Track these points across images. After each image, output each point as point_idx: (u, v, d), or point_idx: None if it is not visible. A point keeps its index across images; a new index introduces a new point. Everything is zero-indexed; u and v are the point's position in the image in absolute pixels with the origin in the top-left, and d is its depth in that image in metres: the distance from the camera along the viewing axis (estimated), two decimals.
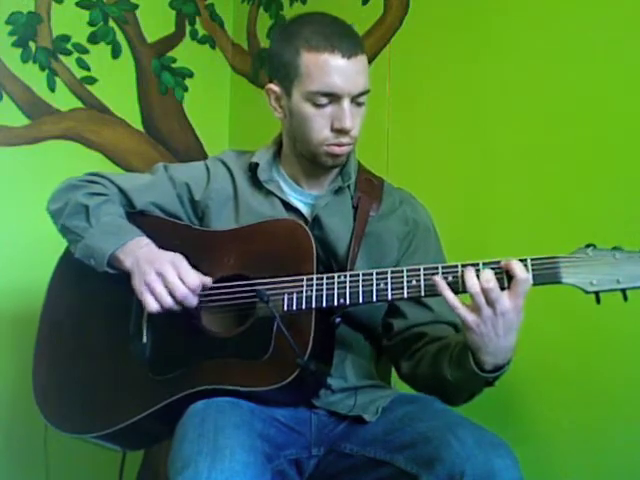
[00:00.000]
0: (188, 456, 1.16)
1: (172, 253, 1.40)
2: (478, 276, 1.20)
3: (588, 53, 1.71)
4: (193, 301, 1.37)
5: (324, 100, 1.39)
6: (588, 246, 1.19)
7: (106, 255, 1.42)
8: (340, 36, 1.39)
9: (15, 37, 2.29)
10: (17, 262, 2.21)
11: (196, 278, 1.37)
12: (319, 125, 1.40)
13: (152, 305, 1.36)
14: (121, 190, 1.55)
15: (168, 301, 1.35)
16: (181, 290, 1.35)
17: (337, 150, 1.43)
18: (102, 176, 1.57)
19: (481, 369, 1.26)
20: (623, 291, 1.16)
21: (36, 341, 1.57)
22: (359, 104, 1.42)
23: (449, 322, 1.48)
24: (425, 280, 1.26)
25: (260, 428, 1.28)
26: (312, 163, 1.48)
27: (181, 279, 1.36)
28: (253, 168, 1.53)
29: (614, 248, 1.18)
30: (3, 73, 2.26)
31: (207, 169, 1.57)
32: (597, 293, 1.17)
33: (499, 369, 1.27)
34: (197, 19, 2.68)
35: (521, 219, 1.80)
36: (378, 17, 2.21)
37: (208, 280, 1.39)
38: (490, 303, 1.19)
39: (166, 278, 1.36)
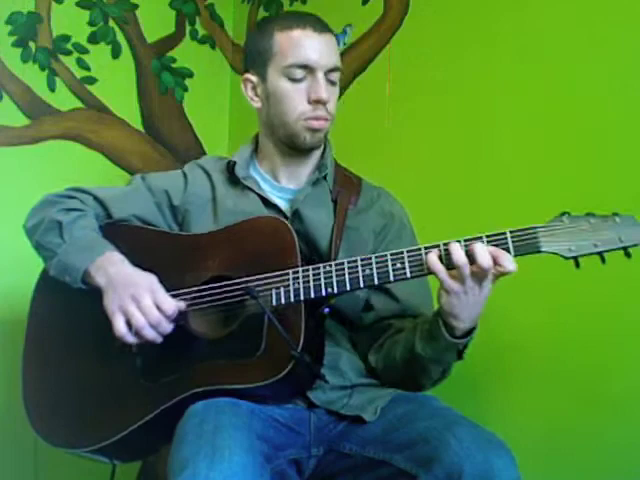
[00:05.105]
0: (187, 457, 1.17)
1: (147, 276, 1.40)
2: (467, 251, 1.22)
3: (585, 53, 1.71)
4: (167, 328, 1.37)
5: (299, 74, 1.45)
6: (563, 214, 1.22)
7: (80, 271, 1.42)
8: (310, 17, 1.51)
9: (15, 37, 2.29)
10: (18, 263, 2.21)
11: (172, 304, 1.37)
12: (296, 100, 1.46)
13: (121, 329, 1.35)
14: (98, 200, 1.55)
15: (141, 326, 1.34)
16: (155, 316, 1.35)
17: (315, 124, 1.47)
18: (80, 190, 1.57)
19: (452, 335, 1.30)
20: (600, 254, 1.19)
21: (23, 354, 1.55)
22: (332, 83, 1.49)
23: (415, 315, 1.51)
24: (410, 261, 1.27)
25: (259, 428, 1.28)
26: (291, 148, 1.51)
27: (157, 305, 1.36)
28: (231, 167, 1.55)
29: (588, 214, 1.20)
30: (3, 73, 2.26)
31: (184, 175, 1.60)
32: (576, 258, 1.20)
33: (467, 334, 1.31)
34: (197, 19, 2.68)
35: (522, 218, 1.79)
36: (378, 17, 2.22)
37: (183, 305, 1.39)
38: (481, 279, 1.22)
39: (141, 303, 1.35)
